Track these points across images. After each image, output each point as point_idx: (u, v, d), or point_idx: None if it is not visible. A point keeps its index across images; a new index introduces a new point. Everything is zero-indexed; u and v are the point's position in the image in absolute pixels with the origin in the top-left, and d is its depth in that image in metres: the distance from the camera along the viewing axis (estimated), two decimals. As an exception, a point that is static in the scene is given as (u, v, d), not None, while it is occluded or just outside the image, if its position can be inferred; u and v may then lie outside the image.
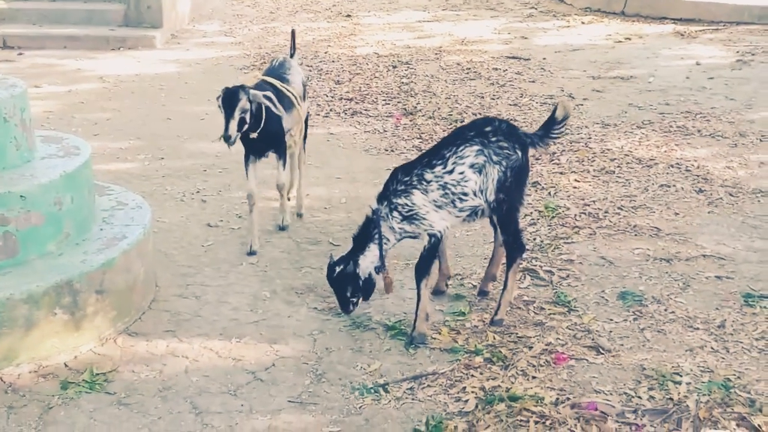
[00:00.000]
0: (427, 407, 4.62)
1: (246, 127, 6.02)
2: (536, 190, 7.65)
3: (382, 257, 5.24)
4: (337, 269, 5.28)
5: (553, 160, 8.41)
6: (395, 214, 5.18)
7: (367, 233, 5.25)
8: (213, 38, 14.84)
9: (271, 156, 6.64)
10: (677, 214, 7.06)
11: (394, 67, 12.42)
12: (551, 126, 5.37)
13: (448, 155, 5.13)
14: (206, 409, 4.64)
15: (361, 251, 5.26)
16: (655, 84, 11.10)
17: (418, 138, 9.19)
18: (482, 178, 5.14)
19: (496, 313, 5.41)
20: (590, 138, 9.04)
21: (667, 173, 7.95)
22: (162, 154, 8.83)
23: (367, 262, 5.27)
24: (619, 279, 5.98)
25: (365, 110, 10.39)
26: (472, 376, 4.86)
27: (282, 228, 6.81)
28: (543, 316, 5.51)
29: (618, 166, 8.18)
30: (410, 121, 9.87)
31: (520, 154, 5.25)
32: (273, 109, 6.15)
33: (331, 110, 10.44)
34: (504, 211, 5.25)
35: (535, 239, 6.64)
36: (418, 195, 5.12)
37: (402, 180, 5.17)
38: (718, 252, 6.34)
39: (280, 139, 6.46)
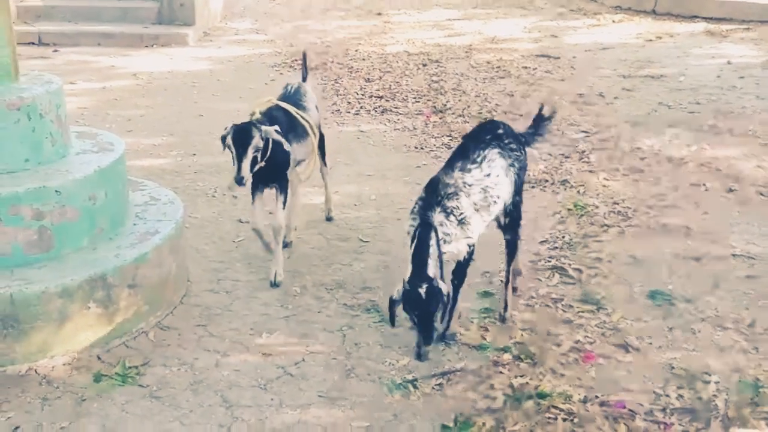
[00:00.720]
0: (455, 404, 4.64)
1: (258, 166, 5.55)
2: (565, 189, 7.66)
3: (441, 270, 4.82)
4: (422, 291, 4.65)
5: (582, 158, 8.41)
6: (451, 218, 4.84)
7: (423, 246, 4.73)
8: (245, 36, 14.93)
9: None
10: (707, 213, 7.04)
11: (424, 65, 12.45)
12: (540, 124, 5.52)
13: (479, 159, 5.05)
14: (236, 403, 4.69)
15: (425, 266, 4.71)
16: (686, 83, 11.06)
17: (447, 136, 9.21)
18: (507, 180, 5.18)
19: (505, 309, 5.47)
20: (620, 136, 9.02)
21: (698, 172, 7.93)
22: (194, 150, 8.91)
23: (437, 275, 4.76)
24: (648, 278, 5.98)
25: (395, 108, 10.42)
26: (501, 373, 4.88)
27: (274, 284, 5.91)
28: (571, 314, 5.53)
29: (648, 165, 8.17)
30: (440, 118, 9.90)
31: (524, 154, 5.41)
32: (283, 144, 5.71)
33: (361, 108, 10.48)
34: (515, 212, 5.38)
35: (563, 237, 6.65)
36: (464, 198, 4.90)
37: (449, 183, 4.89)
38: (749, 251, 6.32)
39: (282, 172, 5.90)
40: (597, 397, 4.64)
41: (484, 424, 4.43)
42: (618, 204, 7.28)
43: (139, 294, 5.28)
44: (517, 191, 5.33)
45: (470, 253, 5.02)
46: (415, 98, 10.80)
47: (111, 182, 5.54)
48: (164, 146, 9.07)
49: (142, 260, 5.29)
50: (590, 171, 8.08)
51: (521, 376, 4.83)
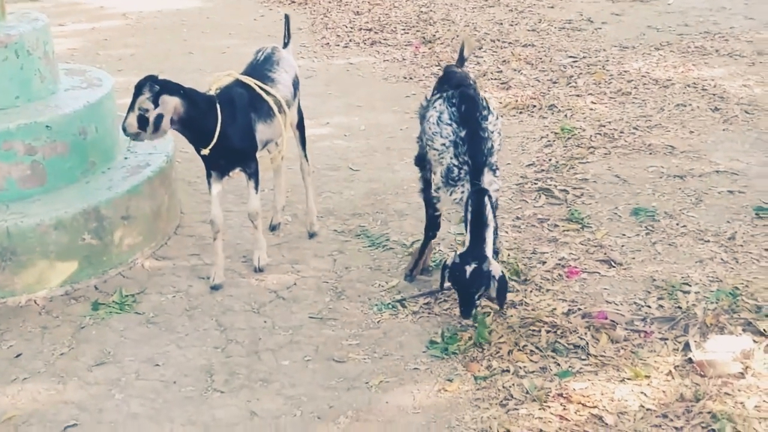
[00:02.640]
0: (442, 320, 4.78)
1: (151, 129, 4.81)
2: (552, 113, 7.74)
3: (495, 241, 4.67)
4: (468, 269, 4.44)
5: (570, 83, 8.47)
6: (497, 173, 4.68)
7: (481, 218, 4.50)
8: (233, -27, 14.85)
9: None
10: (692, 132, 7.13)
11: (414, -4, 12.44)
12: (462, 63, 5.35)
13: (485, 104, 4.78)
14: (231, 326, 4.84)
15: (483, 242, 4.50)
16: (675, 6, 11.07)
17: (437, 65, 9.25)
18: None
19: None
20: (608, 61, 9.08)
21: (684, 93, 8.01)
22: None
23: (492, 253, 4.55)
24: (633, 196, 6.09)
25: (384, 40, 10.46)
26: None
27: (258, 270, 5.39)
28: (557, 233, 5.65)
29: (635, 88, 8.24)
30: (429, 49, 9.94)
31: None
32: (236, 116, 5.09)
33: (350, 41, 10.52)
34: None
35: (550, 160, 6.75)
36: (494, 148, 4.71)
37: (486, 138, 4.61)
38: (732, 168, 6.42)
39: (246, 155, 5.20)
40: (579, 309, 4.78)
41: (470, 338, 4.57)
42: (604, 126, 7.37)
43: (132, 225, 5.39)
44: None
45: (498, 188, 4.76)
46: (404, 30, 10.82)
47: (100, 117, 5.63)
48: (155, 84, 9.10)
49: (135, 192, 5.40)
50: (577, 95, 8.15)
51: (507, 292, 4.95)
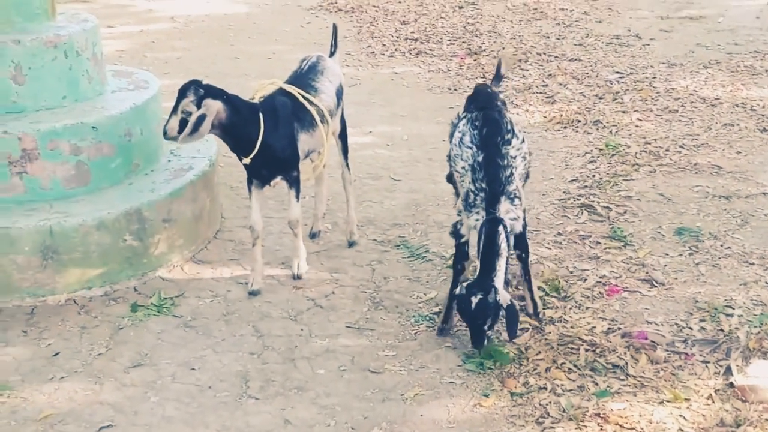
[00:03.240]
0: (480, 334, 4.74)
1: (189, 130, 4.74)
2: (597, 129, 7.68)
3: (508, 265, 4.58)
4: (474, 300, 4.36)
5: (615, 99, 8.40)
6: (516, 202, 4.54)
7: (493, 247, 4.41)
8: (281, -21, 14.92)
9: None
10: (739, 152, 7.03)
11: (461, 7, 12.42)
12: (499, 80, 5.32)
13: (510, 127, 4.65)
14: (268, 333, 4.84)
15: (493, 271, 4.41)
16: (725, 24, 10.94)
17: (481, 77, 9.22)
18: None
19: (535, 310, 4.90)
20: (655, 77, 8.99)
21: (732, 112, 7.91)
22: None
23: (502, 284, 4.46)
24: (677, 215, 6.02)
25: (430, 50, 10.44)
26: (526, 307, 4.96)
27: (297, 277, 5.37)
28: (598, 251, 5.59)
29: (682, 105, 8.15)
30: (474, 60, 9.91)
31: None
32: (278, 126, 5.07)
33: (396, 50, 10.51)
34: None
35: (593, 176, 6.69)
36: (516, 175, 4.59)
37: (504, 165, 4.51)
38: (779, 190, 6.34)
39: (288, 165, 5.16)
40: (620, 328, 4.72)
41: (507, 353, 4.53)
42: (650, 144, 7.29)
43: (173, 228, 5.42)
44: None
45: (525, 220, 4.69)
46: (450, 40, 10.80)
47: (146, 119, 5.67)
48: (200, 88, 9.17)
49: (177, 195, 5.42)
50: (623, 111, 8.08)
51: (546, 309, 4.91)
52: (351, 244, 5.76)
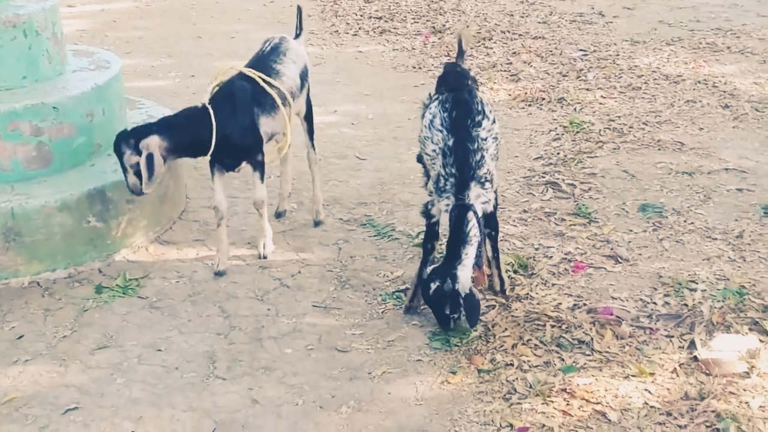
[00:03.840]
0: (447, 312, 4.75)
1: (147, 176, 4.83)
2: (562, 106, 7.70)
3: (479, 255, 4.58)
4: (432, 287, 4.41)
5: (579, 77, 8.42)
6: (486, 185, 4.49)
7: (459, 233, 4.39)
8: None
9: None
10: (702, 129, 7.09)
11: (424, -15, 12.38)
12: (462, 57, 5.24)
13: (480, 107, 4.59)
14: (234, 313, 4.82)
15: (457, 259, 4.40)
16: (687, 1, 10.99)
17: (446, 56, 9.21)
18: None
19: (502, 287, 4.92)
20: (618, 55, 9.03)
21: (694, 89, 7.96)
22: (192, 71, 8.94)
23: (467, 272, 4.42)
24: (641, 192, 6.06)
25: (394, 29, 10.41)
26: (491, 283, 4.97)
27: (263, 257, 5.35)
28: (564, 227, 5.62)
29: (645, 83, 8.19)
30: (438, 39, 9.90)
31: None
32: (235, 114, 5.04)
33: (360, 28, 10.47)
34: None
35: (558, 153, 6.71)
36: (487, 157, 4.52)
37: (474, 149, 4.45)
38: (741, 165, 6.38)
39: (251, 150, 5.15)
40: (585, 304, 4.75)
41: (474, 330, 4.55)
42: (614, 121, 7.33)
43: (137, 209, 5.37)
44: None
45: (496, 200, 4.72)
46: (414, 18, 10.77)
47: (108, 99, 5.61)
48: (162, 68, 9.11)
49: (140, 176, 5.36)
50: (587, 89, 8.11)
51: (512, 286, 4.93)
52: (317, 224, 5.73)
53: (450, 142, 4.48)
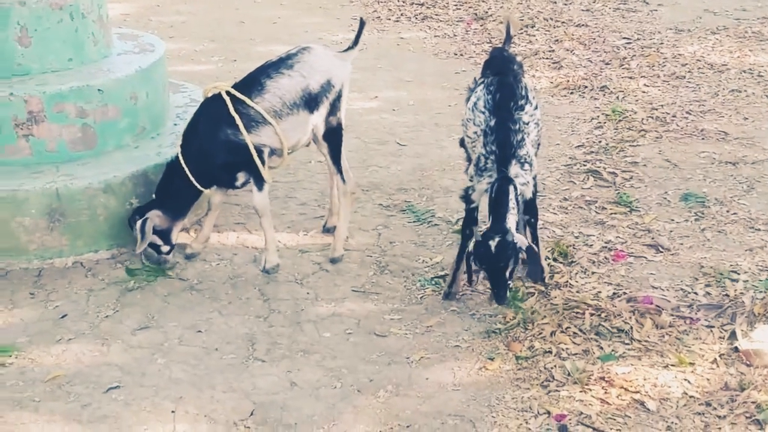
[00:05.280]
0: (485, 298, 4.75)
1: (165, 248, 5.08)
2: (604, 94, 7.66)
3: (521, 224, 4.63)
4: (492, 243, 4.29)
5: (623, 65, 8.36)
6: (526, 167, 4.50)
7: (504, 201, 4.39)
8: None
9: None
10: (746, 119, 7.01)
11: (467, -28, 12.32)
12: (509, 41, 5.22)
13: (524, 92, 4.63)
14: (274, 296, 4.85)
15: (504, 220, 4.36)
16: (734, -11, 10.87)
17: (488, 42, 9.19)
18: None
19: (542, 275, 4.91)
20: (662, 43, 8.95)
21: (739, 78, 7.88)
22: (235, 56, 8.99)
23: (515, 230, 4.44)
24: (683, 181, 6.01)
25: (436, 15, 10.40)
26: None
27: (264, 271, 5.09)
28: (604, 216, 5.59)
29: (689, 71, 8.11)
30: (480, 26, 9.87)
31: None
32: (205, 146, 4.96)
33: (402, 15, 10.47)
34: (539, 140, 4.98)
35: (600, 142, 6.67)
36: (527, 140, 4.55)
37: (517, 129, 4.48)
38: (786, 156, 6.32)
39: (235, 167, 5.02)
40: (625, 293, 4.73)
41: (513, 317, 4.55)
42: (657, 110, 7.27)
43: (180, 192, 5.41)
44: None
45: (535, 187, 4.69)
46: (456, 5, 10.75)
47: (152, 82, 5.65)
48: (205, 52, 9.17)
49: (183, 159, 5.40)
50: (630, 77, 8.05)
51: (552, 274, 4.91)
52: (333, 261, 5.20)
53: (492, 123, 4.50)
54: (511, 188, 4.39)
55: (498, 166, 4.43)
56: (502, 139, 4.45)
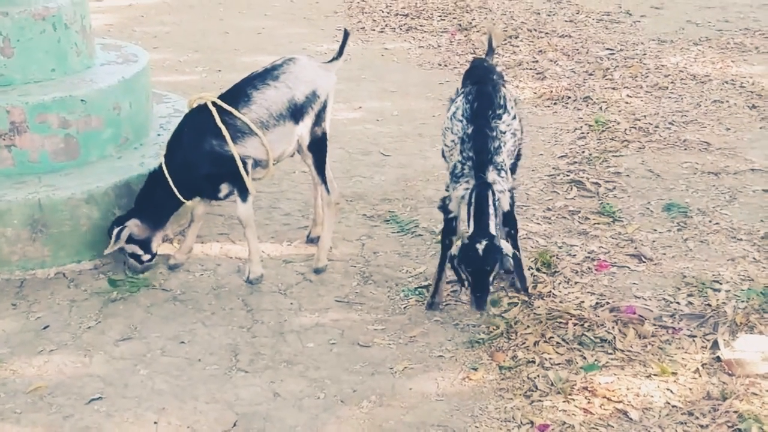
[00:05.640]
0: (468, 308, 4.75)
1: (146, 257, 5.11)
2: (587, 105, 7.69)
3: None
4: (480, 247, 4.26)
5: (606, 75, 8.40)
6: (502, 174, 4.48)
7: (484, 207, 4.34)
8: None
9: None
10: (728, 129, 7.05)
11: (451, -17, 12.38)
12: (491, 54, 5.23)
13: (503, 102, 4.62)
14: (257, 307, 4.84)
15: (487, 226, 4.32)
16: (715, 1, 10.93)
17: (471, 53, 9.22)
18: (518, 119, 4.83)
19: (523, 284, 4.88)
20: (645, 54, 9.00)
21: (721, 89, 7.92)
22: (219, 66, 8.99)
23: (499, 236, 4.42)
24: (666, 191, 6.03)
25: (420, 26, 10.44)
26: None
27: (247, 281, 5.08)
28: (587, 226, 5.60)
29: (672, 82, 8.16)
30: (465, 36, 9.91)
31: None
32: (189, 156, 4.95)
33: (386, 26, 10.50)
34: (519, 152, 4.95)
35: (583, 152, 6.69)
36: (503, 149, 4.54)
37: (493, 137, 4.48)
38: (767, 166, 6.34)
39: (218, 179, 4.99)
40: (608, 303, 4.74)
41: (497, 327, 4.55)
42: (639, 120, 7.30)
43: (163, 202, 5.40)
44: (521, 128, 4.92)
45: (513, 198, 4.64)
46: (440, 16, 10.79)
47: (135, 93, 5.65)
48: (190, 62, 9.17)
49: (166, 169, 5.40)
50: (613, 88, 8.08)
51: (535, 283, 4.92)
52: (317, 271, 5.17)
53: (469, 131, 4.51)
54: (490, 194, 4.36)
55: (475, 171, 4.42)
56: (480, 145, 4.45)
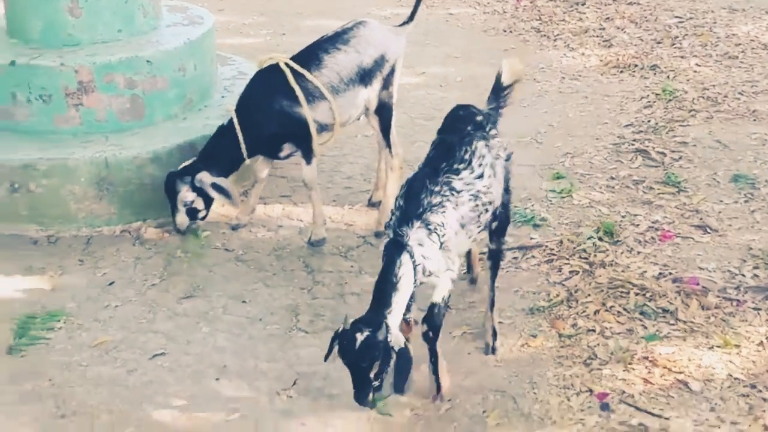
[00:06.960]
0: (530, 276, 4.74)
1: (203, 213, 5.10)
2: (655, 74, 7.56)
3: (412, 301, 3.79)
4: (359, 337, 3.40)
5: (674, 44, 8.25)
6: (433, 237, 3.61)
7: (389, 276, 3.50)
8: None
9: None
10: (800, 100, 6.91)
11: (518, -52, 12.22)
12: (499, 94, 4.28)
13: (467, 157, 3.82)
14: (318, 269, 4.88)
15: (387, 307, 3.49)
16: (790, -31, 10.66)
17: (537, 20, 9.13)
18: (497, 179, 3.99)
19: (494, 338, 4.21)
20: (715, 23, 8.81)
21: (794, 59, 7.75)
22: (283, 30, 9.02)
23: (397, 323, 3.55)
24: (733, 162, 5.93)
25: (486, -9, 10.33)
26: (576, 250, 4.93)
27: (309, 243, 5.10)
28: (652, 196, 5.53)
29: (742, 51, 7.99)
30: (531, 2, 9.78)
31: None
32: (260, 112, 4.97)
33: (451, -10, 10.42)
34: (505, 214, 4.20)
35: (649, 121, 6.60)
36: (450, 211, 3.70)
37: (435, 191, 3.67)
38: (839, 139, 6.21)
39: (283, 139, 5.02)
40: (671, 273, 4.68)
41: (557, 295, 4.53)
42: (708, 89, 7.17)
43: (226, 163, 5.44)
44: (507, 188, 4.16)
45: (449, 293, 3.79)
46: (506, -18, 10.66)
47: (200, 55, 5.70)
48: (254, 25, 9.20)
49: (230, 130, 5.44)
50: (681, 57, 7.94)
51: (597, 252, 4.88)
52: (378, 235, 5.13)
53: (410, 175, 3.85)
54: (405, 257, 3.51)
55: (395, 225, 3.62)
56: (412, 195, 3.66)
